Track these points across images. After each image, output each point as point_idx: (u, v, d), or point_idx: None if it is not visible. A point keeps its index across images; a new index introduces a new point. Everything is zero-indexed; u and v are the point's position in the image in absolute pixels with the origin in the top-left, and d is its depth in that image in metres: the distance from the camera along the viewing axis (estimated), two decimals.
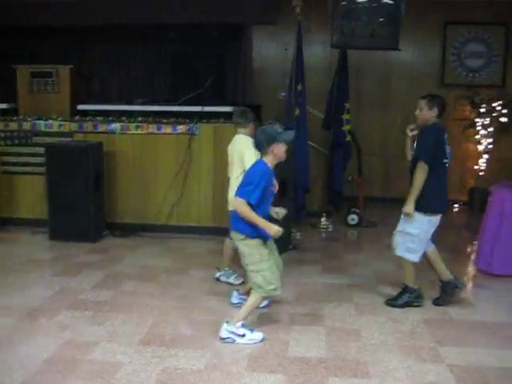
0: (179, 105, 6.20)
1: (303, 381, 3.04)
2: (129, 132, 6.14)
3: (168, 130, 6.04)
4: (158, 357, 3.26)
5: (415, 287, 4.19)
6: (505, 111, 7.81)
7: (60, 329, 3.64)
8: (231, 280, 4.61)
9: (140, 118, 6.14)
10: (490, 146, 8.00)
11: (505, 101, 7.83)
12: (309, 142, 6.45)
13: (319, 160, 7.12)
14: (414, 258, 4.10)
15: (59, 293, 4.32)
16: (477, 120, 7.94)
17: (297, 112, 6.28)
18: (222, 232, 5.93)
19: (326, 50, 8.16)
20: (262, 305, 3.91)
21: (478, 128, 7.97)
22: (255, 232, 3.50)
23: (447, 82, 8.30)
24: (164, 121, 6.08)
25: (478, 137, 8.06)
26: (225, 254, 4.68)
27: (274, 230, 3.41)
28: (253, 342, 3.52)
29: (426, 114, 4.04)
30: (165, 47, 7.02)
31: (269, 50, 8.33)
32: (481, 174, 8.17)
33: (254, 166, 3.61)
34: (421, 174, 3.95)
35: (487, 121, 7.88)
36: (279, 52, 8.26)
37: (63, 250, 5.50)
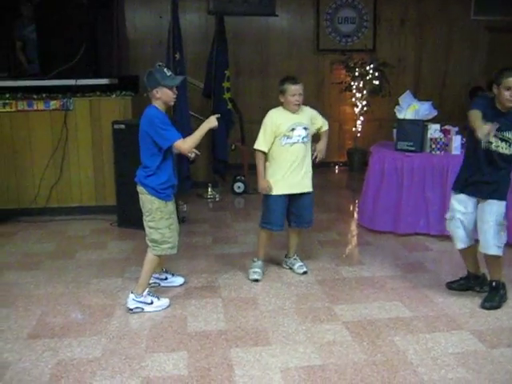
0: (50, 78, 5.78)
1: (205, 355, 3.01)
2: None
3: (40, 106, 5.63)
4: (50, 349, 3.06)
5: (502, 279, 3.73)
6: (376, 74, 8.15)
7: None
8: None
9: (7, 95, 5.64)
10: (365, 108, 8.35)
11: (376, 64, 8.18)
12: (190, 112, 6.34)
13: None
14: (502, 250, 3.59)
15: None
16: (352, 83, 8.23)
17: None
18: (106, 210, 5.74)
19: (203, 17, 8.03)
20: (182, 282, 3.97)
21: (354, 91, 8.27)
22: (157, 194, 3.48)
23: (322, 47, 8.49)
24: (35, 96, 5.63)
25: (354, 99, 8.37)
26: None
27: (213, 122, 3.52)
28: (160, 308, 3.58)
29: None
30: (28, 16, 6.48)
31: (143, 18, 8.00)
32: (358, 135, 8.53)
33: (147, 115, 3.44)
34: None
35: (361, 84, 8.20)
36: (154, 20, 7.98)
37: None
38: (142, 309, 3.54)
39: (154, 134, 3.38)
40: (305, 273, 4.20)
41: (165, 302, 3.63)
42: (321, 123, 4.18)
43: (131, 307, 3.54)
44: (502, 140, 3.45)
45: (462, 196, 3.67)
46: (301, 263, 4.27)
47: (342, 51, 8.33)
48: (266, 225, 4.09)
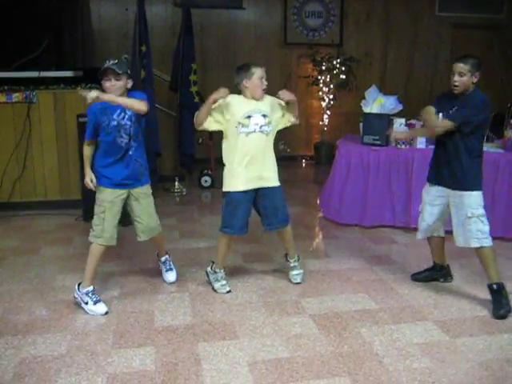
0: (12, 70, 5.65)
1: (173, 350, 3.00)
2: None
3: (2, 98, 5.48)
4: (13, 347, 3.00)
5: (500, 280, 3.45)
6: (343, 68, 8.22)
7: None
8: None
9: None
10: (332, 102, 8.41)
11: (342, 59, 8.23)
12: (156, 105, 6.28)
13: (168, 123, 6.97)
14: (490, 241, 3.41)
15: None
16: (319, 77, 8.27)
17: (142, 74, 6.08)
18: (71, 205, 5.64)
19: (169, 10, 7.96)
20: (170, 281, 3.90)
21: (321, 85, 8.32)
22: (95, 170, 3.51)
23: (289, 41, 8.51)
24: None
25: (320, 93, 8.42)
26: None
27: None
28: (92, 313, 3.41)
29: (468, 80, 3.28)
30: None
31: (108, 9, 7.87)
32: (325, 128, 8.58)
33: None
34: (442, 127, 3.33)
35: (328, 78, 8.25)
36: (120, 12, 7.86)
37: None
38: (81, 303, 3.45)
39: None
40: (298, 283, 3.90)
41: (100, 309, 3.41)
42: (283, 111, 3.73)
43: (75, 296, 3.50)
44: None
45: (432, 186, 3.64)
46: (298, 271, 3.93)
47: (309, 45, 8.36)
48: (225, 228, 3.69)
